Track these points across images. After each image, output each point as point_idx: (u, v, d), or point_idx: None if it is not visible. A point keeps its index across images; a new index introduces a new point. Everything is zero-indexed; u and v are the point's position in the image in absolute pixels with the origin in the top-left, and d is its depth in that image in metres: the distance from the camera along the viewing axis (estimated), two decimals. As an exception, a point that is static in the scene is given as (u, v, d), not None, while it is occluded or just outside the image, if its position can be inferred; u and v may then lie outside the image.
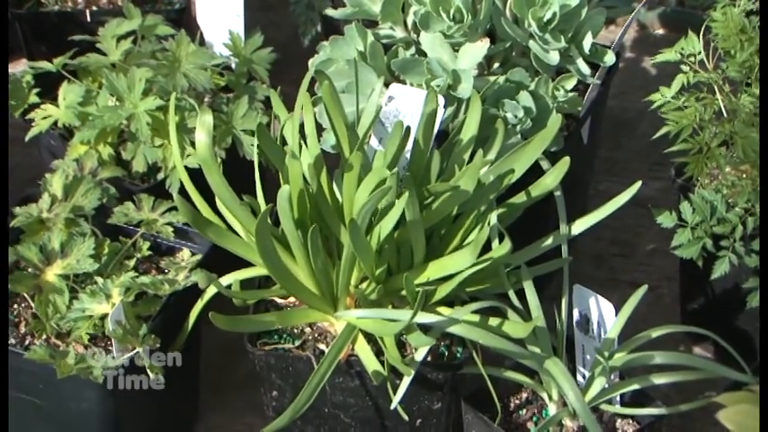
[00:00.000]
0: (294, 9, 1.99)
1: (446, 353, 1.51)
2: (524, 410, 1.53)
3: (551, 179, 1.49)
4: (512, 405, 1.54)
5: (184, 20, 2.07)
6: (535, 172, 1.54)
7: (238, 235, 1.52)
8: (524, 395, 1.55)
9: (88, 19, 2.06)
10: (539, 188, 1.50)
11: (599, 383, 1.46)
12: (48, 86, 1.86)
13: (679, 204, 1.60)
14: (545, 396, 1.50)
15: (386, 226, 1.38)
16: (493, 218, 1.44)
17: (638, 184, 1.49)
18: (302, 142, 1.48)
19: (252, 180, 1.51)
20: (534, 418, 1.51)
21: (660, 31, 2.59)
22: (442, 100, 1.52)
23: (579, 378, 1.52)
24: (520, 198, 1.51)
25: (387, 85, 1.60)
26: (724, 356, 1.46)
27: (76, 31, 1.90)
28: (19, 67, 2.19)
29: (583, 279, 1.51)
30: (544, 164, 1.54)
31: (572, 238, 1.58)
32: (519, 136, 1.65)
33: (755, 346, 1.68)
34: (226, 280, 1.52)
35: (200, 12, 1.94)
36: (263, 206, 1.48)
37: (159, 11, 1.99)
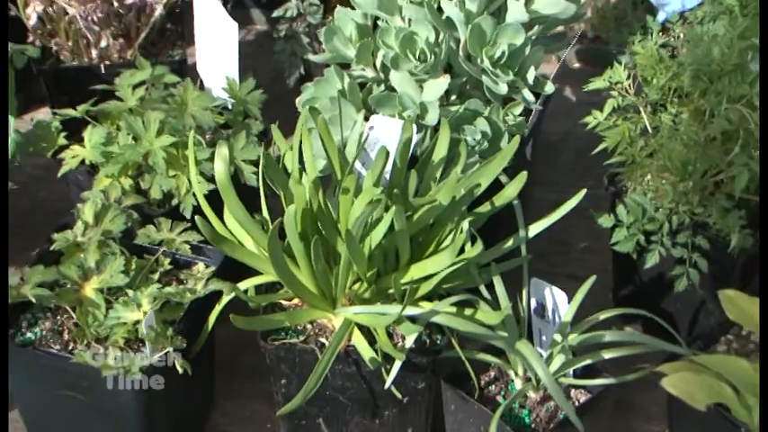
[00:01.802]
0: (278, 57, 1.97)
1: (427, 341, 1.51)
2: (493, 386, 1.52)
3: (512, 190, 1.49)
4: (482, 382, 1.53)
5: (183, 69, 2.04)
6: (492, 185, 1.54)
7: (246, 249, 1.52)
8: (492, 374, 1.54)
9: (102, 71, 2.02)
10: (501, 198, 1.50)
11: (558, 360, 1.46)
12: (70, 130, 1.83)
13: (612, 208, 1.61)
14: (511, 373, 1.50)
15: (376, 236, 1.37)
16: (465, 225, 1.44)
17: (583, 191, 1.50)
18: (301, 168, 1.48)
19: (249, 203, 1.49)
20: (502, 393, 1.51)
21: (577, 65, 2.61)
22: (415, 128, 1.52)
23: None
24: (485, 207, 1.52)
25: (365, 117, 1.60)
26: (655, 335, 1.47)
27: (93, 82, 1.86)
28: (40, 116, 2.16)
29: (530, 273, 1.51)
30: (503, 178, 1.54)
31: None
32: (477, 156, 1.65)
33: (682, 324, 1.69)
34: (241, 287, 1.50)
35: (199, 61, 1.91)
36: (270, 223, 1.47)
37: (163, 62, 1.96)
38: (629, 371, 1.46)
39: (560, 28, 1.92)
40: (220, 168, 1.41)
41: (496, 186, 1.53)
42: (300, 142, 1.45)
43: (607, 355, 1.45)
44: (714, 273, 1.56)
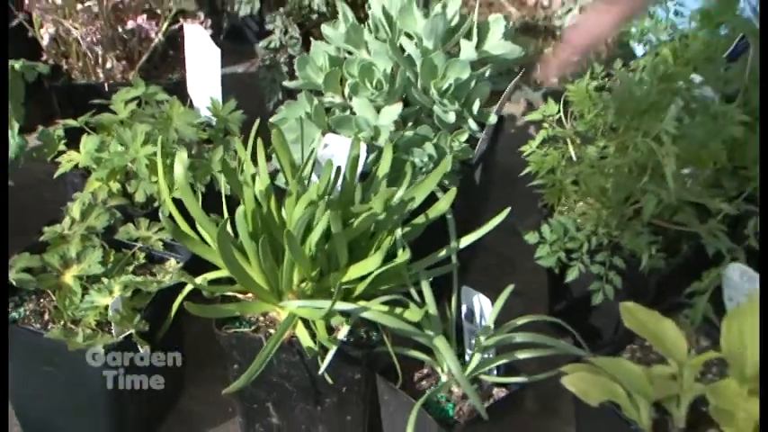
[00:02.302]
0: (261, 83, 2.09)
1: (364, 337, 1.60)
2: (425, 381, 1.61)
3: (443, 204, 1.58)
4: (415, 377, 1.61)
5: (179, 90, 2.15)
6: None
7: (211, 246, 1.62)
8: (425, 371, 1.63)
9: (106, 89, 2.14)
10: (435, 211, 1.59)
11: (477, 358, 1.55)
12: (73, 140, 1.94)
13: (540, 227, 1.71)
14: (439, 369, 1.60)
15: (314, 237, 1.47)
16: (398, 233, 1.54)
17: (507, 210, 1.59)
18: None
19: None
20: (432, 387, 1.60)
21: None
22: (364, 146, 1.62)
23: (467, 357, 1.61)
24: (421, 219, 1.61)
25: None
26: (577, 340, 1.56)
27: (97, 98, 1.98)
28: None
29: (478, 285, 1.58)
30: (439, 194, 1.64)
31: (469, 254, 1.68)
32: (424, 176, 1.75)
33: (600, 331, 1.78)
34: (199, 279, 1.60)
35: (189, 83, 2.03)
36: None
37: (161, 83, 2.07)
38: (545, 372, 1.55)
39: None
40: (179, 171, 1.52)
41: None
42: (256, 153, 1.57)
43: (521, 355, 1.54)
44: (629, 290, 1.65)
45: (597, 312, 1.77)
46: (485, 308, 1.55)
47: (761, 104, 1.54)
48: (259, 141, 1.56)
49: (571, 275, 1.64)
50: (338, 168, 1.56)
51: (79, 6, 1.98)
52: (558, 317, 1.61)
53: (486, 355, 1.55)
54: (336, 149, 1.63)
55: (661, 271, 1.64)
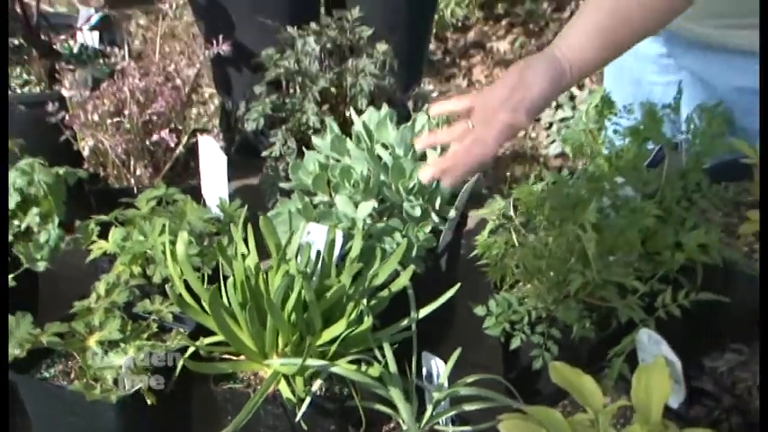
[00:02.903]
0: (263, 185, 2.32)
1: (338, 392, 1.78)
2: (391, 433, 1.79)
3: (403, 279, 1.78)
4: (383, 429, 1.78)
5: (196, 192, 2.37)
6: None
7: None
8: (392, 424, 1.80)
9: (135, 192, 2.37)
10: (396, 285, 1.80)
11: (430, 411, 1.72)
12: (107, 231, 2.15)
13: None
14: (401, 421, 1.76)
15: (290, 304, 1.67)
16: (363, 303, 1.74)
17: (457, 285, 1.79)
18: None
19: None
20: (395, 437, 1.77)
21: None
22: (340, 233, 1.83)
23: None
24: (385, 293, 1.81)
25: (310, 226, 1.92)
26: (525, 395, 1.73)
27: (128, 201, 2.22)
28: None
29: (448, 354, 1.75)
30: (400, 269, 1.84)
31: (440, 321, 1.87)
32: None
33: (541, 390, 1.94)
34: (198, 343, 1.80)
35: (203, 185, 2.26)
36: (224, 294, 1.78)
37: (181, 186, 2.28)
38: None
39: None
40: (180, 249, 1.74)
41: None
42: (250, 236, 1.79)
43: (468, 407, 1.70)
44: (564, 356, 1.82)
45: (540, 375, 1.93)
46: (440, 369, 1.73)
47: (761, 108, 1.71)
48: (249, 227, 1.78)
49: (514, 344, 1.82)
50: (318, 252, 1.77)
51: (110, 121, 2.22)
52: (509, 380, 1.78)
53: (439, 409, 1.72)
54: (317, 236, 1.84)
55: (590, 340, 1.81)
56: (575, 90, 4.20)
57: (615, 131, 2.10)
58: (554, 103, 4.33)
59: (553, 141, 4.15)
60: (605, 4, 1.74)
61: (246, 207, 2.10)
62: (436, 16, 4.55)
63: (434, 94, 4.64)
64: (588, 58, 1.74)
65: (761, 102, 1.76)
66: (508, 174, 3.80)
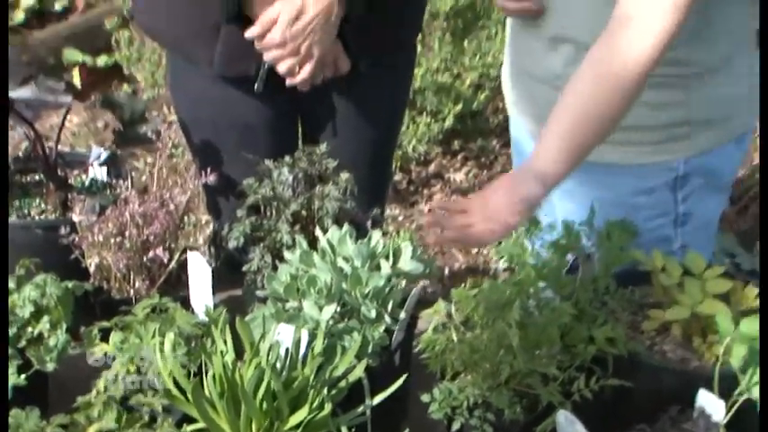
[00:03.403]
0: (245, 295, 2.39)
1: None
2: (350, 507, 1.82)
3: (358, 371, 1.86)
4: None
5: (187, 301, 2.44)
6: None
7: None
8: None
9: (134, 302, 2.43)
10: (352, 376, 1.87)
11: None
12: (108, 335, 2.22)
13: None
14: (358, 496, 1.81)
15: (261, 394, 1.73)
16: (324, 391, 1.80)
17: (405, 376, 1.86)
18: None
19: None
20: None
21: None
22: (305, 332, 1.91)
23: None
24: (343, 383, 1.87)
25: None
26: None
27: (127, 307, 2.28)
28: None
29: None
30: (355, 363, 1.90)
31: (394, 408, 1.93)
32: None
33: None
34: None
35: (191, 295, 2.34)
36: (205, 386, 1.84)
37: (173, 296, 2.35)
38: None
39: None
40: (168, 348, 1.81)
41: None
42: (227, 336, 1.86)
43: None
44: (499, 437, 1.88)
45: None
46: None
47: (761, 108, 1.79)
48: (227, 328, 1.85)
49: (455, 426, 1.88)
50: (287, 349, 1.85)
51: (113, 241, 2.31)
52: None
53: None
54: (286, 336, 1.91)
55: (520, 422, 1.87)
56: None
57: (541, 245, 2.20)
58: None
59: (501, 257, 4.29)
60: (569, 109, 1.86)
61: (230, 313, 2.17)
62: (401, 152, 4.73)
63: (400, 218, 4.78)
64: (560, 166, 1.88)
65: (761, 102, 1.85)
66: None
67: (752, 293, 1.89)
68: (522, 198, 1.93)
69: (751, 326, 1.71)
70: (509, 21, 2.36)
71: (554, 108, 1.90)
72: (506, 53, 2.45)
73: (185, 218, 2.51)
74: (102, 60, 5.21)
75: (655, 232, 2.18)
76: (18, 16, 5.56)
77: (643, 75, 1.77)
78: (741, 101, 2.10)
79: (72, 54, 5.26)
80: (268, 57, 2.32)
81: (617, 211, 2.13)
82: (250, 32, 2.27)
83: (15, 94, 2.33)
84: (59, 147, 2.62)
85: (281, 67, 2.33)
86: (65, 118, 2.52)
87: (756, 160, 4.48)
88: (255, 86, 2.42)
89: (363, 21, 2.32)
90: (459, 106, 4.79)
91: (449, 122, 4.79)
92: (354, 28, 2.33)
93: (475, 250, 4.47)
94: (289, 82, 2.37)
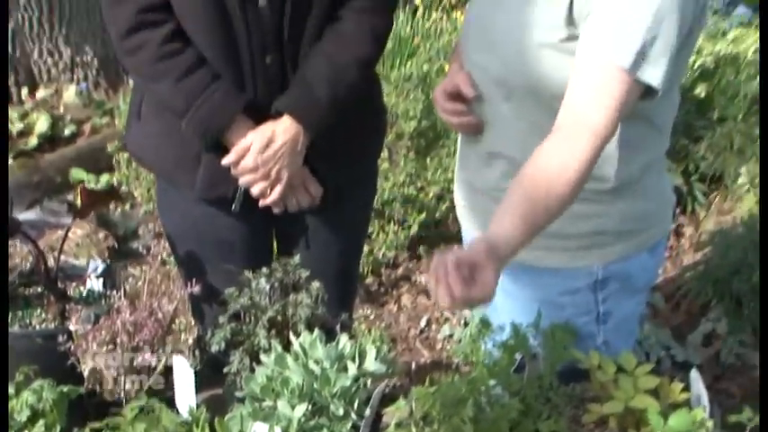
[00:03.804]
0: (226, 395, 2.38)
1: None
2: None
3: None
4: None
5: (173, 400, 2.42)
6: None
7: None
8: None
9: (123, 403, 2.40)
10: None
11: None
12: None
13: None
14: None
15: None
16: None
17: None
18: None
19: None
20: None
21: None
22: (279, 430, 1.90)
23: None
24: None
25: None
26: None
27: (118, 408, 2.25)
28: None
29: None
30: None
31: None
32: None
33: None
34: None
35: (176, 395, 2.32)
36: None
37: (159, 396, 2.33)
38: None
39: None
40: (151, 447, 1.79)
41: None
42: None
43: None
44: None
45: None
46: None
47: (761, 108, 1.78)
48: (207, 427, 1.84)
49: None
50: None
51: (105, 348, 2.30)
52: None
53: None
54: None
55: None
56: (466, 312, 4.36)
57: (493, 345, 2.21)
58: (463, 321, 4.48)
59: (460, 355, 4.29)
60: (519, 189, 1.85)
61: (212, 412, 2.15)
62: (371, 257, 4.77)
63: (371, 317, 4.78)
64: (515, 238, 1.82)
65: (761, 102, 1.89)
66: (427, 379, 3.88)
67: (677, 388, 1.91)
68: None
69: (679, 420, 1.73)
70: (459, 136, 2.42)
71: (502, 202, 1.89)
72: (456, 166, 2.51)
73: (173, 323, 2.51)
74: (104, 179, 5.27)
75: (580, 329, 2.21)
76: (32, 141, 5.64)
77: (574, 183, 1.81)
78: (653, 215, 2.18)
79: (78, 173, 5.33)
80: (242, 181, 2.40)
81: (547, 309, 2.16)
82: (226, 160, 2.36)
83: (22, 216, 2.36)
84: (65, 256, 2.63)
85: (254, 190, 2.41)
86: (65, 238, 2.55)
87: (685, 261, 4.57)
88: (233, 207, 2.49)
89: (328, 147, 2.39)
90: (423, 215, 4.87)
91: (414, 230, 4.86)
92: (320, 153, 2.40)
93: (439, 346, 4.48)
94: (261, 203, 2.43)
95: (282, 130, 2.20)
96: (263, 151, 2.21)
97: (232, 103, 2.15)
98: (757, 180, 4.09)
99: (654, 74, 1.80)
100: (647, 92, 1.89)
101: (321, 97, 2.18)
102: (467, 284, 1.74)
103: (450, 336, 4.45)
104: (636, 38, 1.75)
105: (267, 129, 2.21)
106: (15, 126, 5.64)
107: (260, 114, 2.31)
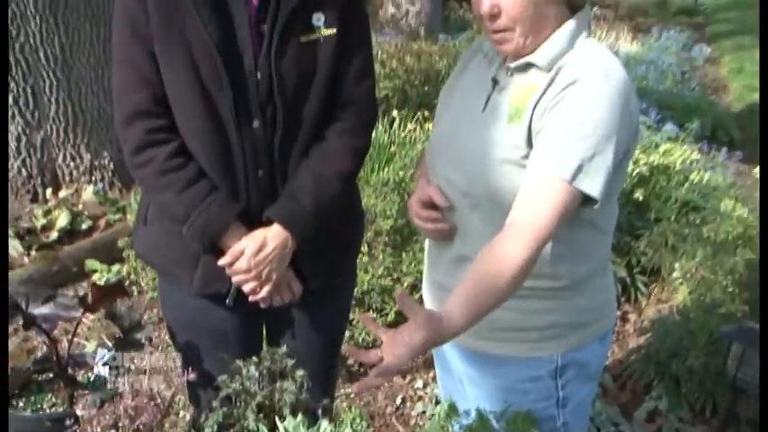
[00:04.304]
0: None
1: None
2: None
3: None
4: None
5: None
6: None
7: None
8: None
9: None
10: None
11: None
12: None
13: None
14: None
15: None
16: None
17: None
18: None
19: None
20: None
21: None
22: None
23: None
24: None
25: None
26: None
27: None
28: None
29: None
30: None
31: None
32: None
33: None
34: None
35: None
36: None
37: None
38: None
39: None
40: None
41: None
42: None
43: None
44: None
45: None
46: None
47: (761, 108, 1.74)
48: None
49: None
50: None
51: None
52: None
53: None
54: None
55: None
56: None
57: (459, 428, 2.17)
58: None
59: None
60: (470, 276, 1.85)
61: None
62: (353, 341, 4.72)
63: (353, 395, 4.69)
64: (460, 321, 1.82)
65: (761, 102, 1.87)
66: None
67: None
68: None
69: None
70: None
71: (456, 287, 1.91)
72: (424, 266, 2.51)
73: (172, 406, 2.46)
74: (115, 268, 5.24)
75: (541, 412, 2.19)
76: (53, 235, 5.63)
77: (515, 275, 1.82)
78: (601, 309, 2.21)
79: (92, 264, 5.31)
80: (236, 279, 2.41)
81: (511, 395, 2.15)
82: (222, 261, 2.38)
83: (37, 310, 2.37)
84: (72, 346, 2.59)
85: (246, 288, 2.43)
86: (75, 331, 2.53)
87: (630, 345, 4.57)
88: (227, 301, 2.51)
89: (313, 249, 2.41)
90: (399, 304, 4.84)
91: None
92: (305, 256, 2.42)
93: (413, 422, 4.38)
94: (251, 299, 2.45)
95: (272, 236, 2.24)
96: (256, 255, 2.24)
97: (227, 213, 2.19)
98: (689, 274, 4.14)
99: (592, 186, 1.85)
100: (587, 200, 1.87)
101: (307, 206, 2.22)
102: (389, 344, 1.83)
103: (423, 412, 4.37)
104: (577, 154, 1.81)
105: (259, 235, 2.24)
106: (39, 221, 5.64)
107: (252, 221, 2.34)
